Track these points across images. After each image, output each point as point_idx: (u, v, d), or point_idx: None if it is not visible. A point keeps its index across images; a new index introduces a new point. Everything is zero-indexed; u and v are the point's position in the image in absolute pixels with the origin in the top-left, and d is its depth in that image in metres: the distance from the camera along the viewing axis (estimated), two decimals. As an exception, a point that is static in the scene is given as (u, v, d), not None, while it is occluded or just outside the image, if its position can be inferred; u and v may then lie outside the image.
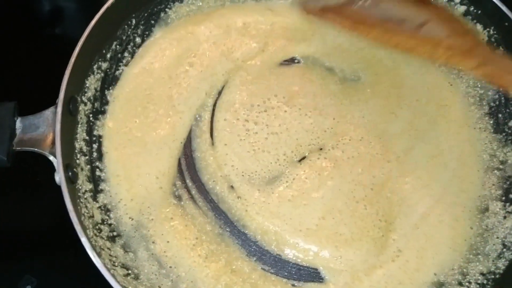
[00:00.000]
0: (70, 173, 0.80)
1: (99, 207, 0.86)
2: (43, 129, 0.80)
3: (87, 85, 0.91)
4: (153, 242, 0.86)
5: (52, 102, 0.82)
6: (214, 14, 1.06)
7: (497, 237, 0.89)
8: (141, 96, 0.97)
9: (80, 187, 0.83)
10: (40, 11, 1.22)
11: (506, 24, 0.96)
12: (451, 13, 0.95)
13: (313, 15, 1.00)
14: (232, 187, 0.91)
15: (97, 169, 0.90)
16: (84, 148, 0.88)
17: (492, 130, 0.99)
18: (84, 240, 0.73)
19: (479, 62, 0.78)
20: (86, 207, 0.82)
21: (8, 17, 1.16)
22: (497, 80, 0.78)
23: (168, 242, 0.86)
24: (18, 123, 0.80)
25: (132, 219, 0.87)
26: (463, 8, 1.02)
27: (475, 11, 1.01)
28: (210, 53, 1.02)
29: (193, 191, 0.92)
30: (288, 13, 1.07)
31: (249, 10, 1.07)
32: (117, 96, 0.97)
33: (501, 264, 0.86)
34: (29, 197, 0.98)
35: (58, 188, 0.76)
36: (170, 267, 0.85)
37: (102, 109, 0.94)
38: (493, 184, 0.94)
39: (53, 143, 0.78)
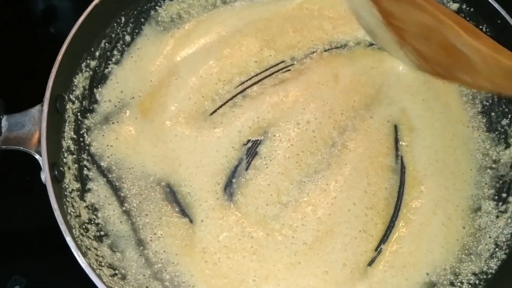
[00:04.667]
0: (56, 172, 0.79)
1: (86, 206, 0.85)
2: (29, 127, 0.80)
3: (75, 83, 0.90)
4: (142, 243, 0.86)
5: (40, 101, 0.81)
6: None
7: (490, 237, 0.88)
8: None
9: (67, 186, 0.82)
10: (34, 10, 1.22)
11: (499, 21, 0.95)
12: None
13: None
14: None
15: (85, 168, 0.89)
16: (72, 147, 0.87)
17: (485, 129, 0.98)
18: (69, 239, 0.72)
19: None
20: (72, 206, 0.81)
21: (2, 16, 1.16)
22: None
23: (158, 242, 0.86)
24: (4, 121, 0.80)
25: (121, 221, 0.87)
26: (455, 6, 1.02)
27: (467, 8, 1.01)
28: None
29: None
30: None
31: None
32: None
33: (494, 264, 0.85)
34: (17, 197, 0.97)
35: (46, 187, 0.76)
36: (160, 267, 0.84)
37: (91, 108, 0.94)
38: (486, 183, 0.94)
39: (39, 141, 0.78)
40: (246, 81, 1.00)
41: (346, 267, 0.85)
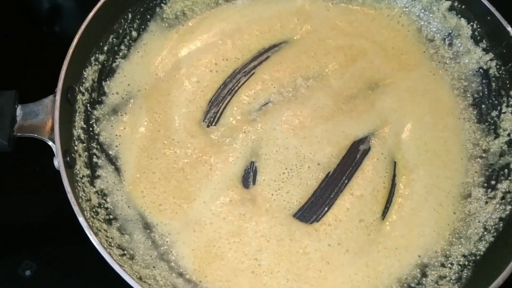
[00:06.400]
0: (68, 158, 0.82)
1: (96, 191, 0.89)
2: (43, 116, 0.83)
3: (84, 76, 0.93)
4: (149, 227, 0.90)
5: (52, 92, 0.85)
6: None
7: (479, 221, 0.92)
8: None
9: (78, 172, 0.85)
10: (39, 8, 1.25)
11: (489, 18, 0.99)
12: None
13: None
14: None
15: (94, 156, 0.92)
16: (82, 136, 0.91)
17: (475, 120, 1.02)
18: (81, 219, 0.75)
19: None
20: (83, 191, 0.85)
21: (10, 14, 1.20)
22: None
23: (164, 226, 0.90)
24: (19, 110, 0.84)
25: (129, 206, 0.91)
26: (447, 4, 1.05)
27: (459, 6, 1.04)
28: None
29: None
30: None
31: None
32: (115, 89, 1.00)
33: (482, 246, 0.88)
34: (29, 184, 1.00)
35: (58, 174, 0.79)
36: (165, 249, 0.88)
37: (99, 99, 0.97)
38: (476, 172, 0.97)
39: (52, 129, 0.81)
40: (247, 74, 1.04)
41: (348, 252, 0.89)
